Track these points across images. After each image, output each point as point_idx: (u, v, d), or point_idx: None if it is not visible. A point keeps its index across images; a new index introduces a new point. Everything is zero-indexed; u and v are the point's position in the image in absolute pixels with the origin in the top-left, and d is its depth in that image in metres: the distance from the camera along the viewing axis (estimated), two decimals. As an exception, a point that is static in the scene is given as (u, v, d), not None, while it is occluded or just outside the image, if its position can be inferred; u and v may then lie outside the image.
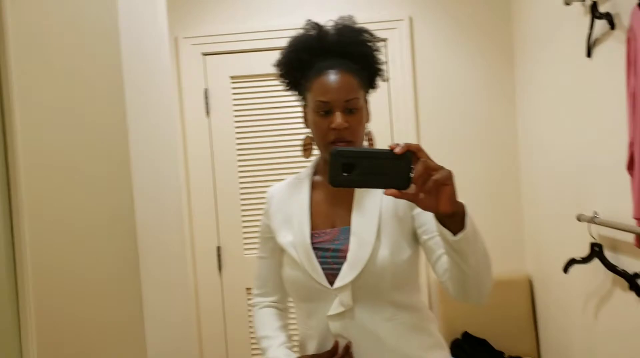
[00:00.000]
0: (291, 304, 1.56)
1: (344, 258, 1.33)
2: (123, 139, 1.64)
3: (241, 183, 3.08)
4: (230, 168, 3.08)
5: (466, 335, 2.94)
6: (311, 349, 1.40)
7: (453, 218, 1.09)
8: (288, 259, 1.41)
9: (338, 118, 1.31)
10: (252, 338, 3.10)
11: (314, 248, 1.37)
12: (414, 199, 1.04)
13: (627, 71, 1.77)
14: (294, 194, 1.45)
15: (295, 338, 1.51)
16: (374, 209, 1.36)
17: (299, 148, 2.99)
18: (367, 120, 1.41)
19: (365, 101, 1.41)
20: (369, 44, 1.42)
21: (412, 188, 1.04)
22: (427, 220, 1.34)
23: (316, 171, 1.50)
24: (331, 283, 1.33)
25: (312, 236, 1.39)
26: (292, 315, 1.61)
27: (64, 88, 1.46)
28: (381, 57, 1.44)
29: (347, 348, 1.34)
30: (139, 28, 1.81)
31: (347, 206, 1.40)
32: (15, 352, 1.20)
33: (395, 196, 1.03)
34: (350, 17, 1.44)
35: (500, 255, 3.06)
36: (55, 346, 1.34)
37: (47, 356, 1.21)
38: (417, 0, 3.04)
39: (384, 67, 1.45)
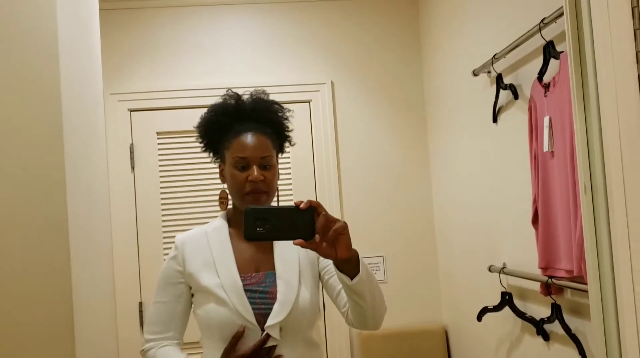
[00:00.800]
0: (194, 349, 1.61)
1: (273, 299, 1.47)
2: (61, 190, 1.65)
3: (165, 237, 3.08)
4: (154, 222, 3.08)
5: (387, 385, 3.04)
6: None
7: (349, 263, 1.29)
8: (213, 300, 1.47)
9: (255, 171, 1.48)
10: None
11: (244, 290, 1.47)
12: (317, 248, 1.23)
13: (529, 135, 2.00)
14: (213, 241, 1.54)
15: None
16: (293, 255, 1.54)
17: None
18: (278, 178, 1.59)
19: (277, 161, 1.59)
20: (279, 113, 1.62)
21: (316, 238, 1.22)
22: (328, 262, 1.56)
23: (229, 220, 1.63)
24: (259, 322, 1.45)
25: (241, 278, 1.49)
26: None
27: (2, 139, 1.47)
28: (289, 125, 1.65)
29: (273, 349, 1.44)
30: (79, 84, 1.85)
31: (268, 252, 1.55)
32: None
33: (302, 246, 1.21)
34: (263, 90, 1.64)
35: (417, 306, 3.21)
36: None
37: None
38: (338, 66, 3.24)
39: (291, 134, 1.66)
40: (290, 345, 1.47)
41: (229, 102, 1.60)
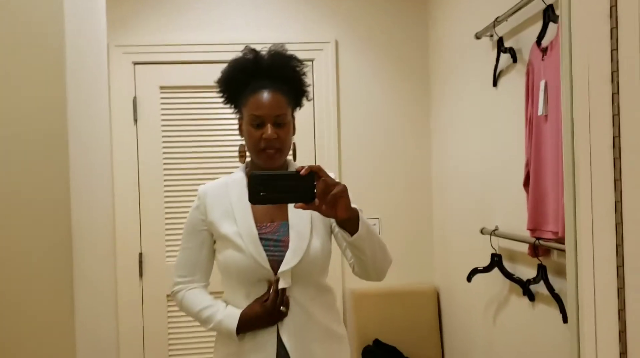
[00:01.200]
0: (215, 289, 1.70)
1: (285, 247, 1.56)
2: (63, 142, 1.69)
3: (166, 191, 3.13)
4: (156, 176, 3.13)
5: (377, 342, 3.12)
6: None
7: (349, 222, 1.40)
8: (232, 247, 1.57)
9: (269, 130, 1.55)
10: (170, 343, 3.13)
11: (259, 238, 1.57)
12: (318, 209, 1.34)
13: (525, 99, 2.02)
14: (232, 192, 1.62)
15: None
16: None
17: (223, 159, 3.11)
18: (293, 133, 1.66)
19: (292, 117, 1.65)
20: (297, 69, 1.66)
21: (316, 201, 1.32)
22: None
23: (248, 172, 1.68)
24: (273, 268, 1.55)
25: (256, 228, 1.58)
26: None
27: (6, 89, 1.51)
28: (307, 80, 1.69)
29: (284, 291, 1.56)
30: (82, 38, 1.87)
31: (282, 204, 1.60)
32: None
33: (303, 209, 1.33)
34: (282, 45, 1.68)
35: (411, 268, 3.27)
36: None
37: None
38: (342, 25, 3.24)
39: (309, 89, 1.71)
40: (302, 289, 1.58)
41: (247, 58, 1.63)
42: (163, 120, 3.13)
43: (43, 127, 1.65)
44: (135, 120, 3.11)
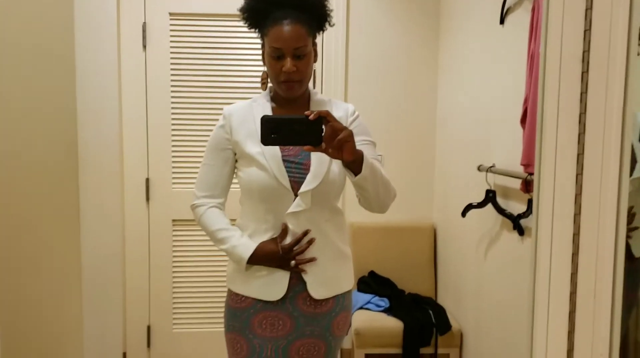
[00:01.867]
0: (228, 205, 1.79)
1: (306, 170, 1.64)
2: (70, 65, 1.74)
3: (173, 118, 3.19)
4: (163, 102, 3.17)
5: (372, 274, 3.23)
6: (254, 241, 1.68)
7: (355, 163, 1.48)
8: (255, 165, 1.64)
9: (288, 63, 1.59)
10: (174, 266, 3.25)
11: (282, 160, 1.64)
12: (324, 152, 1.43)
13: (529, 35, 2.03)
14: (257, 113, 1.66)
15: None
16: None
17: (229, 88, 3.14)
18: (315, 60, 1.69)
19: (314, 44, 1.67)
20: None
21: (323, 145, 1.41)
22: None
23: (271, 97, 1.76)
24: (293, 189, 1.63)
25: (280, 149, 1.65)
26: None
27: (16, 15, 1.54)
28: (329, 5, 1.70)
29: (306, 233, 1.65)
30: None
31: (292, 146, 1.66)
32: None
33: (311, 151, 1.46)
34: None
35: (410, 205, 3.35)
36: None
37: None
38: (354, -42, 3.20)
39: (331, 14, 1.71)
40: (319, 210, 1.66)
41: None
42: (172, 47, 3.15)
43: (51, 47, 1.70)
44: (144, 46, 3.13)
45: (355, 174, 1.49)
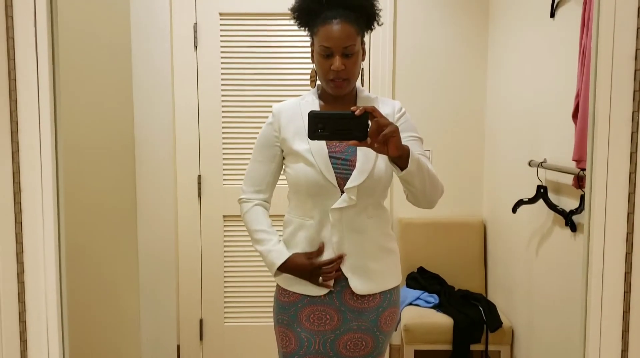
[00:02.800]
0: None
1: (352, 166, 1.67)
2: (127, 65, 1.81)
3: (223, 117, 3.25)
4: (214, 101, 3.24)
5: (421, 270, 3.22)
6: (299, 236, 1.73)
7: (400, 159, 1.49)
8: (303, 162, 1.68)
9: (337, 62, 1.61)
10: (225, 260, 3.33)
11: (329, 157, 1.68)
12: (370, 147, 1.44)
13: (581, 29, 1.99)
14: (305, 111, 1.68)
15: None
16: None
17: (279, 86, 3.19)
18: (363, 59, 1.72)
19: (362, 43, 1.70)
20: None
21: (369, 140, 1.42)
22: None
23: (319, 95, 1.79)
24: (339, 185, 1.66)
25: (327, 146, 1.69)
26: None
27: (77, 21, 1.61)
28: (378, 5, 1.71)
29: (340, 257, 1.69)
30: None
31: (338, 141, 1.70)
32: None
33: (357, 146, 1.47)
34: None
35: (460, 201, 3.32)
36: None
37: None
38: (402, -46, 3.19)
39: (380, 13, 1.73)
40: (363, 207, 1.68)
41: None
42: (222, 46, 3.21)
43: (108, 49, 1.77)
44: (196, 46, 3.21)
45: (402, 169, 1.50)
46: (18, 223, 1.03)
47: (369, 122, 1.42)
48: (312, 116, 1.45)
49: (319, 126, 1.44)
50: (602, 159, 1.07)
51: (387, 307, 1.75)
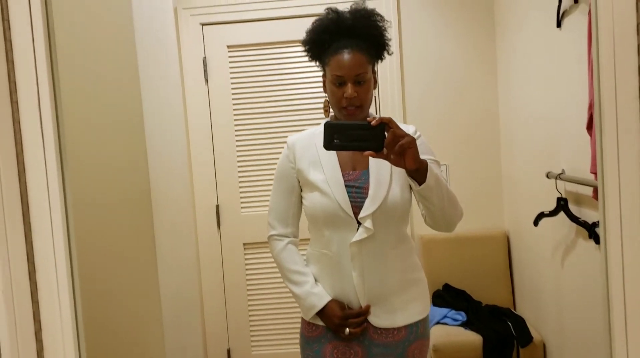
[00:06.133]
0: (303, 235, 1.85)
1: (365, 194, 1.65)
2: (137, 103, 1.83)
3: (238, 146, 3.28)
4: (228, 131, 3.28)
5: (447, 286, 3.19)
6: (319, 269, 1.73)
7: (418, 172, 1.47)
8: (318, 192, 1.68)
9: (349, 89, 1.62)
10: (248, 288, 3.33)
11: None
12: (386, 158, 1.42)
13: (588, 40, 1.97)
14: (318, 142, 1.68)
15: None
16: None
17: (291, 113, 3.21)
18: (375, 87, 1.71)
19: (374, 72, 1.71)
20: (379, 24, 1.70)
21: (385, 151, 1.40)
22: None
23: None
24: (355, 214, 1.64)
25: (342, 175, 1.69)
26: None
27: (83, 58, 1.64)
28: (388, 35, 1.73)
29: (367, 309, 1.67)
30: (148, 1, 1.98)
31: (353, 151, 1.68)
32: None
33: (373, 156, 1.42)
34: (364, 2, 1.72)
35: (480, 214, 3.29)
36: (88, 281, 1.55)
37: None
38: (404, -28, 3.20)
39: (390, 44, 1.74)
40: (384, 238, 1.66)
41: (329, 18, 1.69)
42: (232, 78, 3.25)
43: (118, 91, 1.80)
44: (206, 80, 3.24)
45: (420, 184, 1.48)
46: (33, 282, 1.04)
47: (385, 133, 1.40)
48: (327, 126, 1.44)
49: (335, 136, 1.42)
50: (612, 170, 1.05)
51: (413, 340, 1.71)
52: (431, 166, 1.49)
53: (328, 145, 1.44)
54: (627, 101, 1.04)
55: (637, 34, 1.03)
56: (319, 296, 1.69)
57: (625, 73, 1.03)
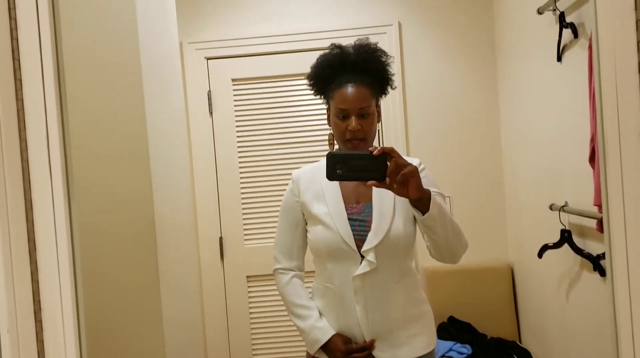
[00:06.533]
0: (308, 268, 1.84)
1: (369, 228, 1.65)
2: (143, 136, 1.84)
3: (241, 178, 3.30)
4: (231, 164, 3.29)
5: (452, 319, 3.17)
6: (324, 303, 1.73)
7: (421, 202, 1.46)
8: (322, 226, 1.69)
9: (353, 122, 1.64)
10: (252, 321, 3.31)
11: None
12: (389, 188, 1.42)
13: (589, 74, 2.00)
14: (322, 176, 1.68)
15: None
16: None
17: (294, 145, 3.22)
18: (378, 120, 1.73)
19: (377, 106, 1.73)
20: (382, 60, 1.73)
21: (388, 180, 1.40)
22: None
23: None
24: (358, 247, 1.64)
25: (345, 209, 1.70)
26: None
27: (91, 92, 1.66)
28: (391, 70, 1.76)
29: (372, 343, 1.66)
30: (154, 37, 2.02)
31: (368, 186, 1.68)
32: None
33: (375, 186, 1.41)
34: (367, 38, 1.75)
35: (484, 245, 3.28)
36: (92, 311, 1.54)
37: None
38: (405, 7, 3.26)
39: (393, 78, 1.77)
40: (388, 271, 1.66)
41: (333, 54, 1.72)
42: (236, 110, 3.28)
43: (124, 123, 1.82)
44: (211, 112, 3.28)
45: (423, 214, 1.48)
46: (37, 310, 1.04)
47: (388, 163, 1.41)
48: (330, 156, 1.44)
49: (338, 166, 1.43)
50: (617, 205, 1.06)
51: None
52: (434, 196, 1.49)
53: (331, 175, 1.45)
54: (629, 135, 1.05)
55: (639, 71, 1.04)
56: (323, 330, 1.68)
57: (628, 109, 1.04)
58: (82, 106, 1.59)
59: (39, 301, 1.00)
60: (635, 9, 1.02)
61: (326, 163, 1.44)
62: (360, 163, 1.41)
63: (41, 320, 1.01)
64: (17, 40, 0.97)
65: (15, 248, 1.00)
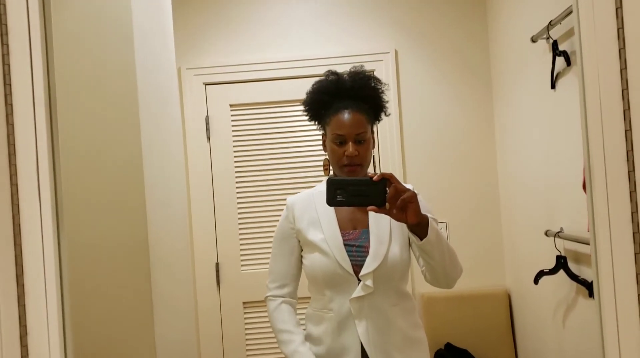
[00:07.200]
0: (301, 293, 1.84)
1: (366, 253, 1.67)
2: (138, 160, 1.86)
3: (239, 203, 3.30)
4: (229, 189, 3.30)
5: (449, 346, 3.14)
6: (322, 330, 1.72)
7: (419, 227, 1.49)
8: (318, 252, 1.70)
9: (350, 148, 1.66)
10: (247, 349, 3.28)
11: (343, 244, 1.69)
12: (388, 214, 1.44)
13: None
14: (318, 202, 1.74)
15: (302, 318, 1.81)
16: (385, 215, 1.67)
17: (291, 171, 3.23)
18: (373, 146, 1.77)
19: (372, 132, 1.76)
20: (376, 87, 1.77)
21: (387, 206, 1.43)
22: None
23: None
24: (355, 272, 1.66)
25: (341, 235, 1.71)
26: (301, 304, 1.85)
27: (86, 118, 1.68)
28: (385, 97, 1.79)
29: None
30: (152, 62, 2.04)
31: (364, 212, 1.73)
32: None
33: (375, 212, 1.43)
34: (362, 66, 1.79)
35: (481, 271, 3.27)
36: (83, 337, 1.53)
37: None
38: (402, 35, 3.30)
39: (387, 105, 1.80)
40: (384, 294, 1.67)
41: (329, 80, 1.76)
42: (234, 136, 3.30)
43: (119, 146, 1.83)
44: (208, 137, 3.30)
45: (421, 239, 1.50)
46: (24, 335, 1.03)
47: (387, 188, 1.43)
48: (330, 182, 1.46)
49: (338, 191, 1.45)
50: (604, 232, 1.07)
51: None
52: (432, 221, 1.51)
53: (331, 201, 1.46)
54: (616, 164, 1.06)
55: (623, 99, 1.06)
56: (302, 354, 1.67)
57: (613, 138, 1.05)
58: (77, 132, 1.61)
59: (25, 326, 1.00)
60: (618, 38, 1.04)
61: (327, 188, 1.46)
62: (360, 189, 1.43)
63: (27, 345, 1.00)
64: (9, 66, 0.98)
65: (2, 272, 1.00)
